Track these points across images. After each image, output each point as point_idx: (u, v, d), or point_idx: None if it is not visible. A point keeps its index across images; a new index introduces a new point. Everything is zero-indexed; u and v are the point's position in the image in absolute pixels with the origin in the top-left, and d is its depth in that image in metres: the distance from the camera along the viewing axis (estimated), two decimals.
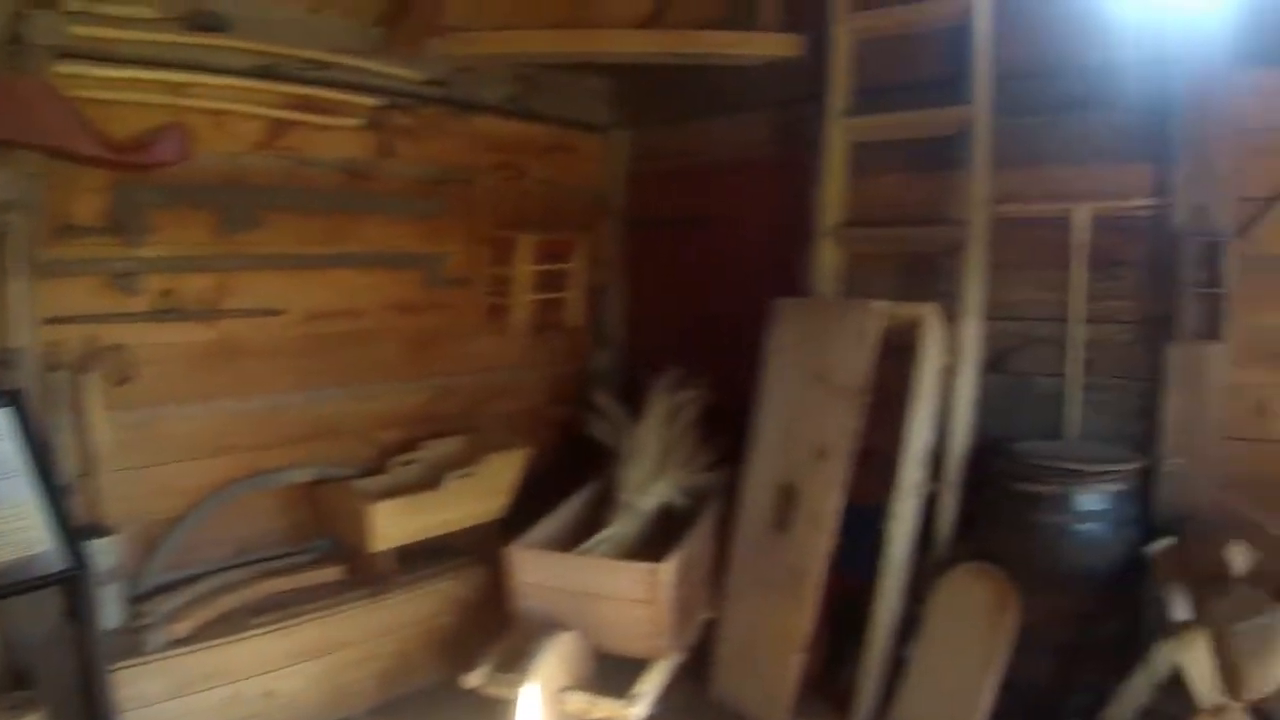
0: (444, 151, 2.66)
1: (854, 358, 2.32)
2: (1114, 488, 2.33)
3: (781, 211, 2.80)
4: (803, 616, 2.31)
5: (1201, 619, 1.95)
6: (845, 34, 2.68)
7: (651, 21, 2.58)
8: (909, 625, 2.39)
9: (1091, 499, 2.29)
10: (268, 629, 2.10)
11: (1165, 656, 2.21)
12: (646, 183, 3.27)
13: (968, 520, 2.51)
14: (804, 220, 2.67)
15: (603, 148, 3.21)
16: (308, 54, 2.33)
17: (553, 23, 2.45)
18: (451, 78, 2.62)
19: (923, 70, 2.72)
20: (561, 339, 3.12)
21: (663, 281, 3.20)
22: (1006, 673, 2.33)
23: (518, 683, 1.96)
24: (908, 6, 2.58)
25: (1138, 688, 2.31)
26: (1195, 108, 2.52)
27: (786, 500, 2.35)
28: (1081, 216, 2.56)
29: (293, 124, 2.35)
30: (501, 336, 2.83)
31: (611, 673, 2.28)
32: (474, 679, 2.06)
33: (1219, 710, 1.87)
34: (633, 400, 2.68)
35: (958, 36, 2.60)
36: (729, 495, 2.56)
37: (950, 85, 2.62)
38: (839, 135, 2.67)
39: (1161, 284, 2.53)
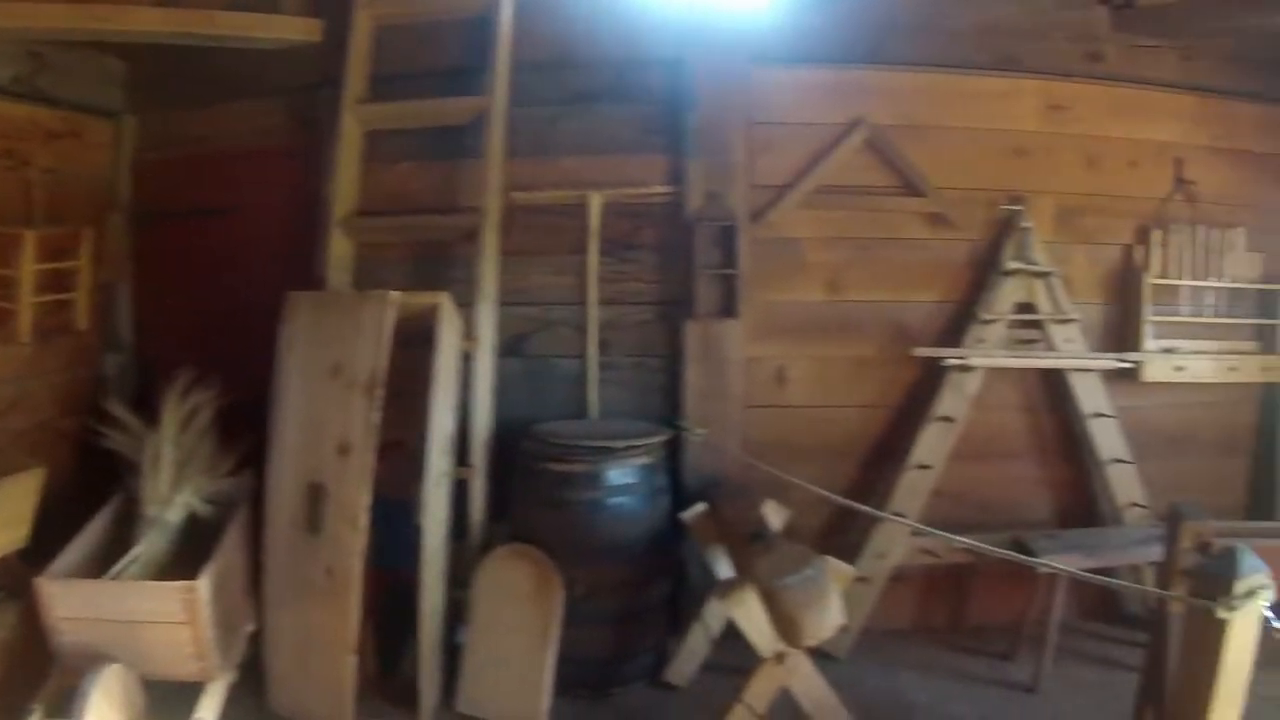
0: None
1: (368, 350, 2.89)
2: (641, 461, 3.24)
3: (300, 201, 3.42)
4: (348, 617, 2.91)
5: (748, 576, 2.59)
6: (366, 19, 3.31)
7: (168, 0, 3.04)
8: (459, 612, 3.00)
9: (620, 473, 3.18)
10: None
11: (718, 614, 3.23)
12: (159, 172, 3.78)
13: (504, 504, 3.21)
14: (322, 210, 3.30)
15: (114, 134, 3.71)
16: None
17: None
18: None
19: (444, 59, 3.50)
20: (70, 344, 3.58)
21: (177, 277, 3.77)
22: (564, 646, 2.93)
23: None
24: None
25: (695, 645, 3.32)
26: (711, 102, 3.54)
27: (315, 500, 2.97)
28: (597, 204, 3.53)
29: None
30: (4, 345, 3.28)
31: (172, 700, 2.65)
32: None
33: (781, 656, 2.61)
34: (149, 406, 3.19)
35: (479, 26, 3.40)
36: (258, 499, 3.13)
37: (471, 74, 3.41)
38: (354, 123, 3.28)
39: (676, 266, 3.58)
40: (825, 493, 3.07)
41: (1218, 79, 4.21)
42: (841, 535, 3.59)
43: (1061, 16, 3.99)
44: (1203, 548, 2.25)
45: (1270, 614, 1.77)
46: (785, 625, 2.53)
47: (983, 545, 2.80)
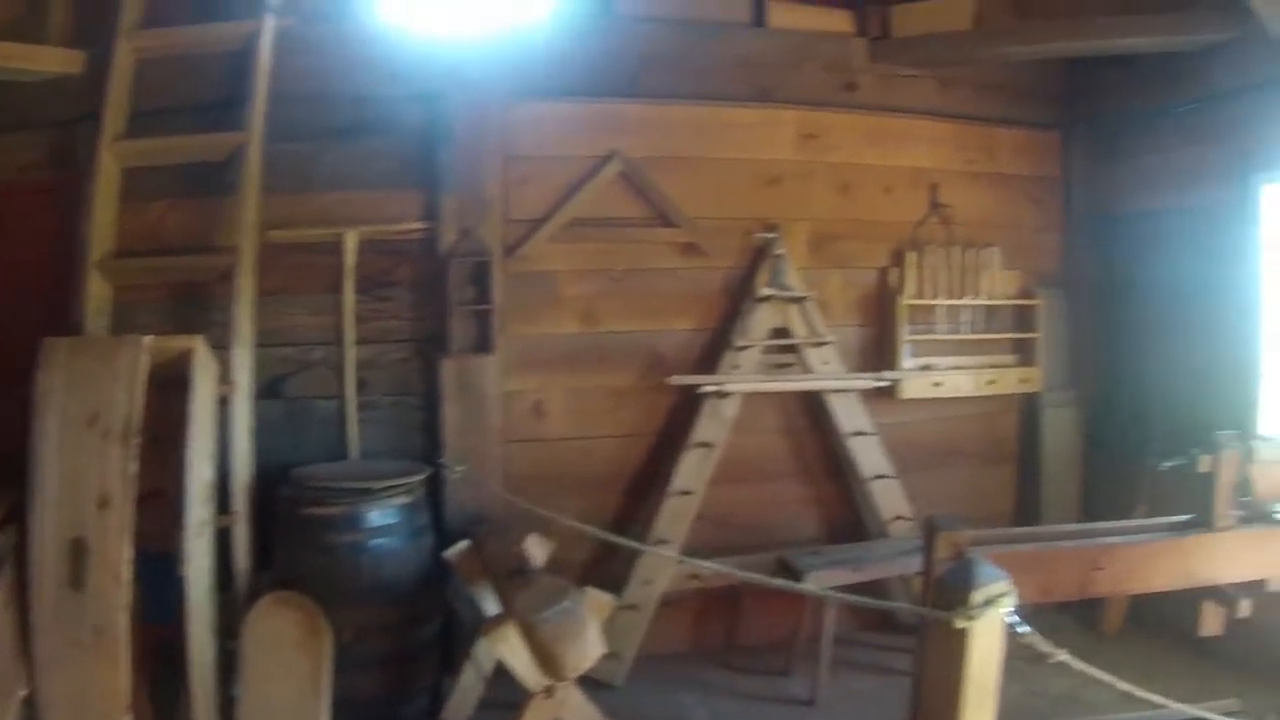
0: None
1: (123, 397, 3.48)
2: (402, 500, 3.84)
3: (59, 241, 3.79)
4: (118, 676, 3.37)
5: (509, 611, 3.02)
6: (127, 51, 3.64)
7: None
8: (232, 664, 3.29)
9: (380, 514, 3.78)
10: None
11: (486, 651, 3.72)
12: None
13: (268, 550, 3.57)
14: (79, 251, 3.60)
15: None
16: None
17: None
18: None
19: (206, 92, 4.04)
20: None
21: None
22: (338, 692, 3.51)
23: None
24: (194, 28, 3.70)
25: (468, 683, 3.84)
26: (467, 136, 4.20)
27: (78, 556, 3.44)
28: (352, 241, 4.14)
29: None
30: None
31: None
32: None
33: (550, 690, 3.00)
34: None
35: (240, 61, 3.94)
36: (21, 557, 3.51)
37: (229, 109, 3.95)
38: (111, 159, 3.61)
39: (434, 303, 4.18)
40: (579, 525, 3.65)
41: (973, 106, 5.10)
42: (609, 564, 4.12)
43: (818, 48, 4.76)
44: (958, 557, 2.60)
45: (1014, 619, 2.08)
46: (545, 658, 2.94)
47: (726, 568, 3.53)
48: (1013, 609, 2.13)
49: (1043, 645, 2.27)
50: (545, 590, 3.21)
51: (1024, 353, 5.25)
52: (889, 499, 4.77)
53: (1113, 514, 3.94)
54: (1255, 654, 4.03)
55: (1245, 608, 3.26)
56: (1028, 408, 5.32)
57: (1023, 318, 5.24)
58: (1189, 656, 4.23)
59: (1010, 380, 5.21)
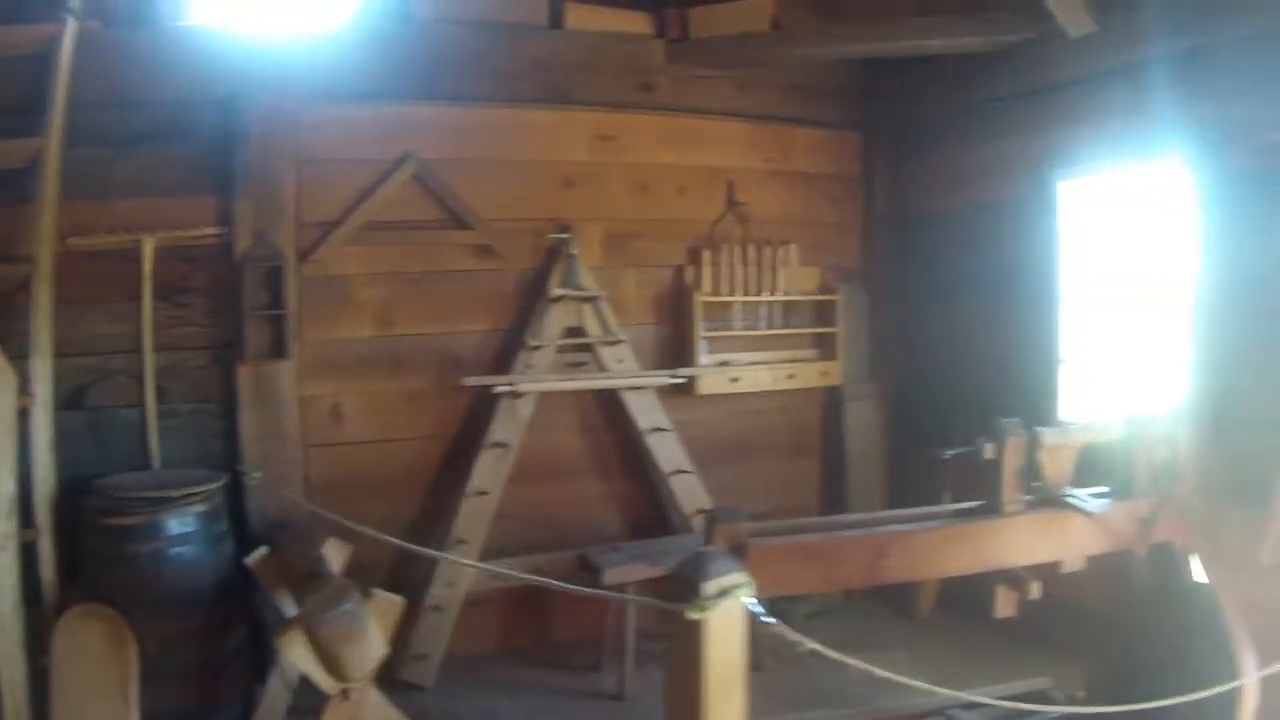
0: None
1: None
2: (200, 508, 4.63)
3: None
4: None
5: (298, 616, 3.61)
6: None
7: None
8: (43, 680, 3.75)
9: (179, 522, 4.46)
10: None
11: (284, 656, 4.44)
12: None
13: (74, 563, 4.10)
14: None
15: None
16: None
17: None
18: None
19: (7, 97, 4.45)
20: None
21: None
22: (147, 704, 3.85)
23: None
24: None
25: (276, 691, 4.68)
26: (261, 141, 5.17)
27: None
28: (150, 248, 5.03)
29: None
30: None
31: None
32: None
33: (346, 692, 3.66)
34: None
35: (40, 65, 4.30)
36: None
37: (28, 115, 4.31)
38: None
39: (230, 309, 5.14)
40: (365, 530, 4.06)
41: (772, 107, 6.42)
42: (415, 565, 5.00)
43: (615, 49, 5.93)
44: (738, 549, 3.06)
45: (757, 609, 2.44)
46: (330, 661, 3.50)
47: (503, 570, 4.63)
48: (754, 598, 2.49)
49: (790, 635, 2.69)
50: (330, 594, 3.77)
51: (824, 347, 6.67)
52: (690, 494, 5.85)
53: (919, 504, 4.59)
54: (1063, 632, 5.06)
55: (1036, 590, 3.65)
56: (830, 401, 6.79)
57: (822, 313, 6.66)
58: (1001, 638, 5.12)
59: (811, 374, 6.64)
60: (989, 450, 3.73)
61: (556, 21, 5.65)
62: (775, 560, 3.32)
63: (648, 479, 5.96)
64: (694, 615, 2.47)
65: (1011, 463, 3.71)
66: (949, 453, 4.52)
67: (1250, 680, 3.37)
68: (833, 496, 6.75)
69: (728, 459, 6.33)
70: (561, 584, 4.03)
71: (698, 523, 5.79)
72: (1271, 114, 4.46)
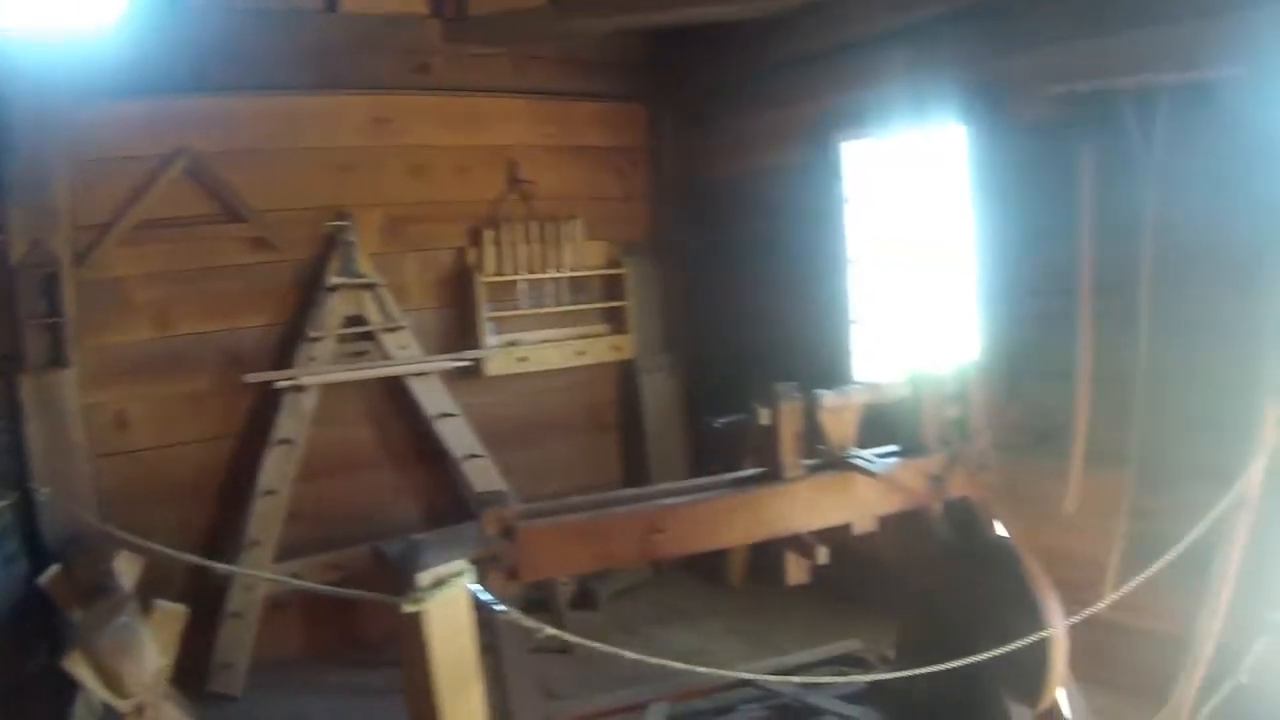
0: None
1: None
2: None
3: None
4: None
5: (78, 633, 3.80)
6: None
7: None
8: None
9: None
10: None
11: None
12: None
13: None
14: None
15: None
16: None
17: None
18: None
19: None
20: None
21: None
22: None
23: None
24: None
25: (81, 714, 5.12)
26: (31, 142, 6.02)
27: None
28: None
29: None
30: None
31: None
32: None
33: (140, 708, 3.89)
34: None
35: None
36: None
37: None
38: None
39: (7, 319, 6.00)
40: (147, 544, 4.60)
41: (552, 81, 7.75)
42: (213, 572, 5.36)
43: (390, 31, 7.04)
44: (508, 533, 3.51)
45: (486, 597, 2.90)
46: (108, 677, 3.74)
47: (277, 577, 5.92)
48: (478, 585, 2.85)
49: (527, 622, 3.01)
50: (106, 608, 4.06)
51: (615, 321, 8.12)
52: (484, 478, 6.89)
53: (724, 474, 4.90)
54: (874, 591, 5.93)
55: (823, 555, 4.02)
56: (625, 375, 8.26)
57: (611, 287, 8.08)
58: (814, 601, 5.99)
59: (603, 349, 8.11)
60: (765, 416, 4.16)
61: (331, 5, 6.50)
62: (545, 541, 3.76)
63: (442, 466, 6.98)
64: (410, 609, 2.76)
65: (789, 427, 4.16)
66: (720, 421, 4.87)
67: (1059, 632, 3.88)
68: (635, 471, 8.21)
69: (523, 440, 7.72)
70: (310, 584, 5.03)
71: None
72: (1050, 68, 5.19)
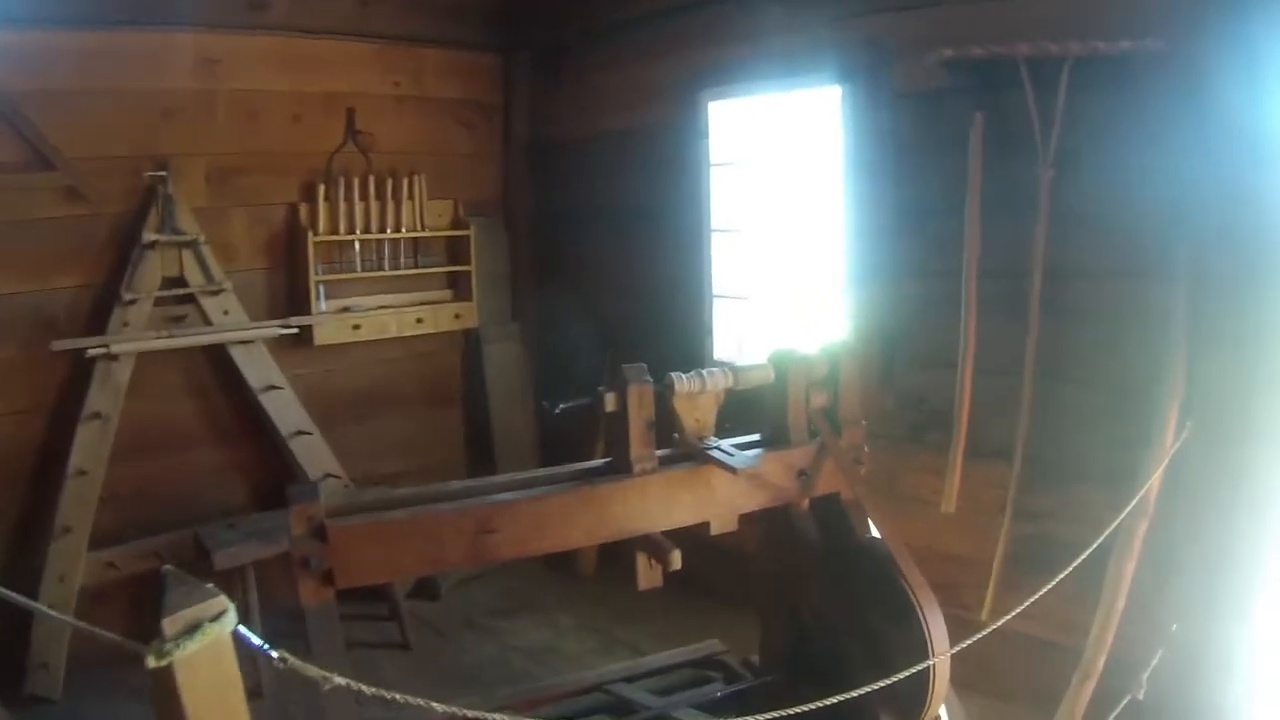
0: None
1: None
2: None
3: None
4: None
5: None
6: None
7: None
8: None
9: None
10: None
11: None
12: None
13: None
14: None
15: None
16: None
17: None
18: None
19: None
20: None
21: None
22: None
23: None
24: None
25: None
26: None
27: None
28: None
29: None
30: None
31: None
32: None
33: None
34: None
35: None
36: None
37: None
38: None
39: None
40: None
41: (399, 25, 7.78)
42: (29, 558, 5.95)
43: None
44: (318, 533, 3.39)
45: (256, 643, 2.64)
46: None
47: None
48: (239, 627, 2.58)
49: (309, 671, 2.70)
50: None
51: (460, 287, 8.34)
52: (314, 457, 7.06)
53: (576, 453, 5.32)
54: (735, 584, 6.09)
55: (676, 560, 3.91)
56: (469, 345, 8.50)
57: (456, 250, 8.29)
58: (671, 595, 5.38)
59: (445, 317, 8.31)
60: (610, 401, 4.02)
61: None
62: (362, 543, 3.61)
63: (270, 443, 7.06)
64: (155, 663, 2.47)
65: (638, 415, 4.03)
66: (561, 405, 4.62)
67: (941, 648, 3.90)
68: (478, 450, 8.46)
69: (357, 415, 7.93)
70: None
71: (328, 487, 7.25)
72: (940, 29, 5.19)
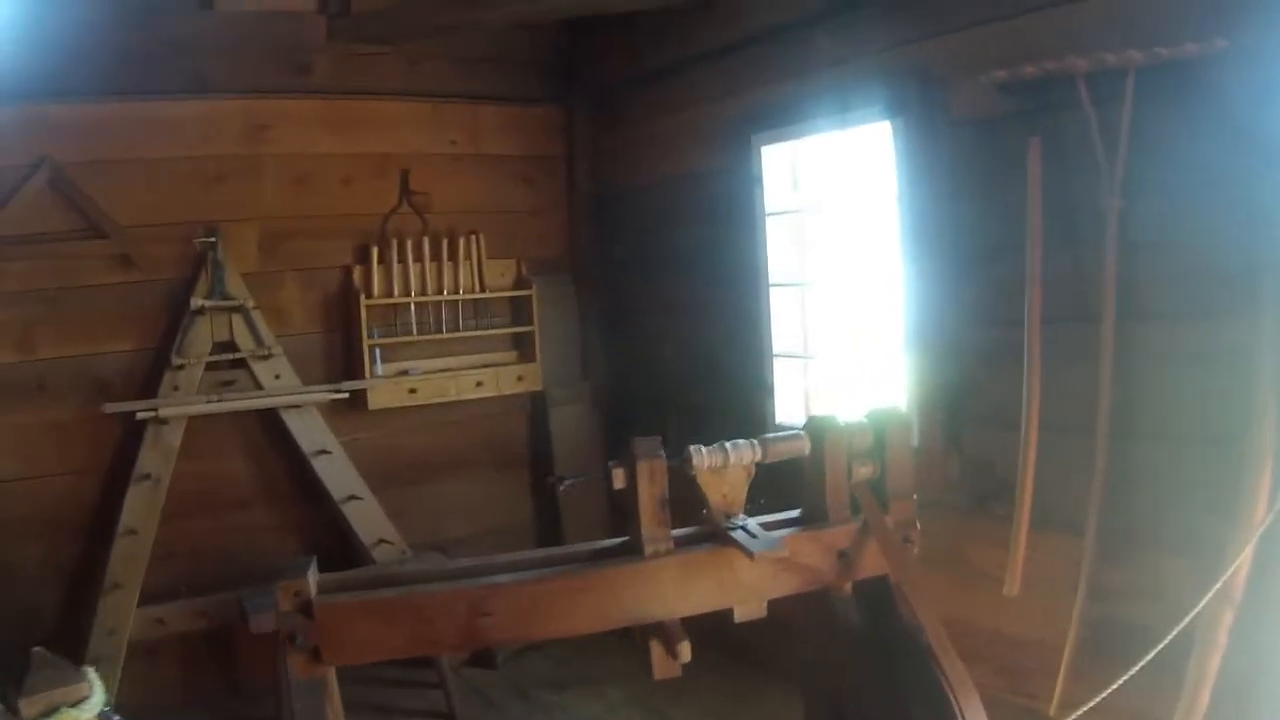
0: None
1: None
2: None
3: None
4: None
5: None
6: None
7: None
8: None
9: None
10: None
11: None
12: None
13: None
14: None
15: None
16: None
17: None
18: None
19: None
20: None
21: None
22: None
23: None
24: None
25: None
26: None
27: None
28: None
29: None
30: None
31: None
32: None
33: None
34: None
35: None
36: None
37: None
38: None
39: None
40: None
41: (450, 82, 8.38)
42: (81, 613, 6.51)
43: (266, 29, 7.55)
44: (304, 609, 3.50)
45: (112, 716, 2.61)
46: None
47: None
48: (107, 711, 2.56)
49: None
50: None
51: (524, 348, 8.83)
52: (368, 521, 7.51)
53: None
54: (789, 663, 5.39)
55: (686, 652, 3.85)
56: (536, 407, 8.99)
57: (519, 310, 8.77)
58: (726, 661, 6.35)
59: (507, 380, 8.79)
60: (618, 478, 3.93)
61: (205, 1, 6.96)
62: (349, 621, 3.70)
63: (326, 504, 7.50)
64: None
65: (649, 491, 3.91)
66: (566, 481, 4.73)
67: None
68: (545, 515, 8.95)
69: (415, 479, 8.41)
70: None
71: (380, 554, 7.54)
72: (990, 50, 5.10)
